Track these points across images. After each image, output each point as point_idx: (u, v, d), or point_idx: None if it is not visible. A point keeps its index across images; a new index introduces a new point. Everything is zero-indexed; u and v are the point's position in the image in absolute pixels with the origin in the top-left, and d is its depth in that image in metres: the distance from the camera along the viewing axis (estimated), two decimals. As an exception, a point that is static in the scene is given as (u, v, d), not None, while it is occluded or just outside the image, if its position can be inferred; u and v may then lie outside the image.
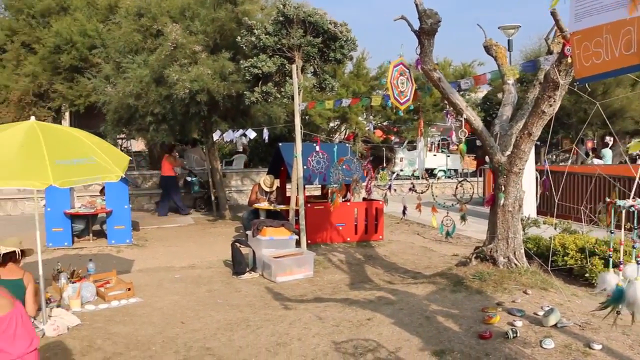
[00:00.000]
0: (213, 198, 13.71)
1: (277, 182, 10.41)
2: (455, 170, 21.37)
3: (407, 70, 6.84)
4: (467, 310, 5.81)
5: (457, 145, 6.96)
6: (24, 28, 16.24)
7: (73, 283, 6.65)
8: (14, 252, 5.50)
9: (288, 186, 11.22)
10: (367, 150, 15.78)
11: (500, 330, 5.08)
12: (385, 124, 20.60)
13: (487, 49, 7.27)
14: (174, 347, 5.17)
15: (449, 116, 7.40)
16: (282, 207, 9.98)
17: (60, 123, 16.02)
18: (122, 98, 11.32)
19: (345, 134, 19.42)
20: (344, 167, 9.03)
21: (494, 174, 7.01)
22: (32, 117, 5.83)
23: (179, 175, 14.01)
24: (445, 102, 7.09)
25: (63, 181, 4.96)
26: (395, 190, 8.50)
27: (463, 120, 6.69)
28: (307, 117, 15.56)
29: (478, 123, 6.76)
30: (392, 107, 7.18)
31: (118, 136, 16.88)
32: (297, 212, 9.06)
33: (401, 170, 18.86)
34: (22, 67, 15.90)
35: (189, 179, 14.64)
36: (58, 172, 4.95)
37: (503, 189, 6.70)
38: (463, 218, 7.20)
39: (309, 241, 8.87)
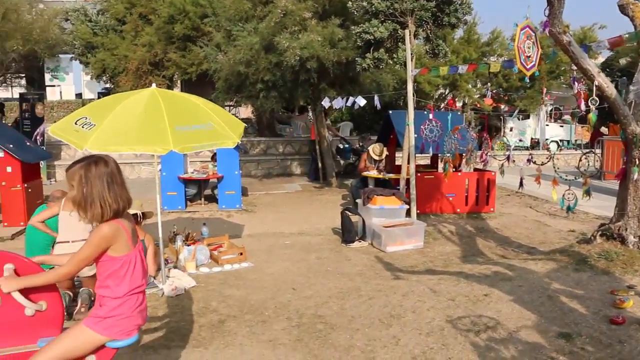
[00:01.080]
0: (319, 165, 13.73)
1: (385, 151, 10.21)
2: (567, 142, 20.21)
3: (534, 34, 6.38)
4: (593, 291, 5.43)
5: (586, 114, 6.45)
6: (141, 0, 16.86)
7: (188, 246, 6.85)
8: (136, 214, 5.73)
9: (397, 155, 11.00)
10: (479, 118, 15.18)
11: (634, 316, 4.69)
12: (494, 91, 19.78)
13: (623, 8, 6.62)
14: (286, 313, 5.18)
15: (576, 83, 6.85)
16: (392, 175, 9.79)
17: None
18: (232, 66, 11.47)
19: (455, 103, 18.81)
20: (456, 136, 8.68)
21: (626, 146, 6.45)
22: (153, 85, 5.97)
23: (329, 142, 13.89)
24: (574, 68, 6.55)
25: (183, 147, 5.04)
26: (514, 161, 8.05)
27: (594, 88, 6.16)
28: (415, 85, 15.13)
29: (611, 90, 6.21)
30: (518, 73, 6.74)
31: (226, 103, 17.25)
32: (406, 182, 8.85)
33: (514, 140, 18.09)
34: (139, 38, 16.58)
35: (341, 146, 14.78)
36: (178, 138, 5.04)
37: (637, 162, 6.14)
38: (587, 193, 6.69)
39: (418, 211, 8.64)
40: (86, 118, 5.22)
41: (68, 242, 5.22)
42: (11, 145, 8.53)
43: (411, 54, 8.49)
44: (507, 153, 7.76)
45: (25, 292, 2.80)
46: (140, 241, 2.96)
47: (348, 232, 7.61)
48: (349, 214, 7.76)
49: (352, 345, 4.48)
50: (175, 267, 6.43)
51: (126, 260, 2.80)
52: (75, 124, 5.21)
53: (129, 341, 2.90)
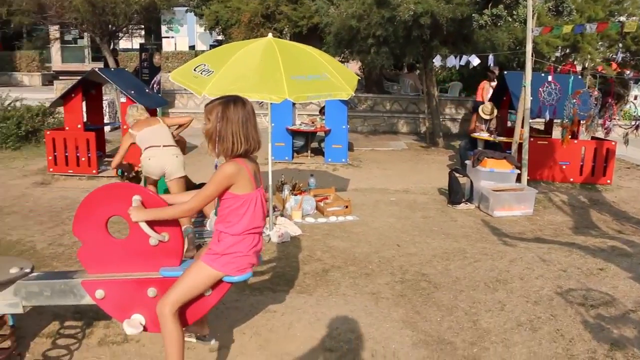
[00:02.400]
0: (427, 125, 13.48)
1: (495, 110, 9.81)
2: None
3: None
4: None
5: None
6: (256, -49, 16.98)
7: (295, 195, 6.99)
8: None
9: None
10: (602, 84, 14.22)
11: None
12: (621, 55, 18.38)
13: None
14: (389, 269, 5.20)
15: None
16: (503, 139, 9.44)
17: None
18: (344, 20, 11.36)
19: (574, 66, 17.69)
20: (576, 101, 8.18)
21: None
22: (269, 34, 6.03)
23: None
24: None
25: (297, 96, 5.09)
26: (643, 130, 7.49)
27: None
28: (533, 45, 14.34)
29: None
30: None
31: (337, 58, 17.20)
32: (518, 146, 8.50)
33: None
34: (252, -10, 16.75)
35: None
36: (293, 87, 5.09)
37: None
38: None
39: (528, 177, 8.30)
40: (205, 65, 5.39)
41: (159, 146, 5.76)
42: (132, 92, 8.97)
43: (533, 11, 8.03)
44: (636, 122, 7.23)
45: (150, 223, 2.97)
46: (262, 185, 3.05)
47: (455, 193, 7.47)
48: (457, 175, 7.60)
49: (455, 306, 4.44)
50: (282, 216, 6.60)
51: (247, 200, 2.89)
52: (194, 70, 5.39)
53: (243, 278, 3.03)
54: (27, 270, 3.13)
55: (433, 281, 4.93)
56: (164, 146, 5.78)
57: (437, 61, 10.57)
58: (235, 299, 4.43)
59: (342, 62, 19.48)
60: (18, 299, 3.09)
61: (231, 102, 2.87)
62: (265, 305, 4.37)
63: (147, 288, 3.04)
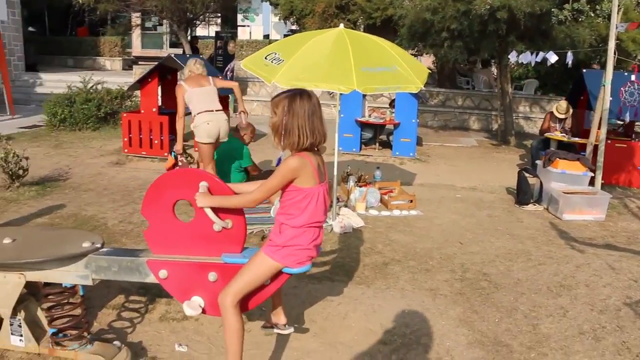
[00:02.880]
0: (499, 122, 13.17)
1: (570, 108, 9.46)
2: None
3: None
4: None
5: None
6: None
7: (360, 187, 6.99)
8: None
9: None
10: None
11: None
12: None
13: None
14: (450, 266, 5.14)
15: None
16: (577, 140, 9.09)
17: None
18: (418, 12, 11.22)
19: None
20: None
21: None
22: (341, 25, 6.05)
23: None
24: None
25: (366, 87, 5.08)
26: None
27: None
28: (616, 42, 13.71)
29: None
30: None
31: (409, 52, 17.02)
32: (594, 148, 8.17)
33: None
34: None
35: None
36: (362, 78, 5.08)
37: None
38: None
39: (603, 181, 7.97)
40: (275, 53, 5.46)
41: (213, 110, 6.17)
42: (207, 77, 9.19)
43: (618, 6, 7.67)
44: None
45: (215, 210, 3.04)
46: (327, 180, 3.08)
47: (523, 194, 7.27)
48: (527, 174, 7.39)
49: (515, 308, 4.34)
50: (345, 206, 6.62)
51: (309, 193, 2.92)
52: (265, 58, 5.47)
53: (301, 270, 3.06)
54: (98, 245, 3.28)
55: (494, 281, 4.83)
56: (216, 110, 6.22)
57: (512, 57, 10.29)
58: (294, 286, 4.50)
59: (415, 55, 19.29)
60: (88, 271, 3.25)
61: (297, 95, 2.90)
62: (322, 294, 4.42)
63: (208, 272, 3.12)
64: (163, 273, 3.16)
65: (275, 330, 3.56)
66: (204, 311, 3.17)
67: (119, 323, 3.90)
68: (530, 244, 5.87)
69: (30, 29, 23.54)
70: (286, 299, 4.27)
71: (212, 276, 3.13)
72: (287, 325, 3.56)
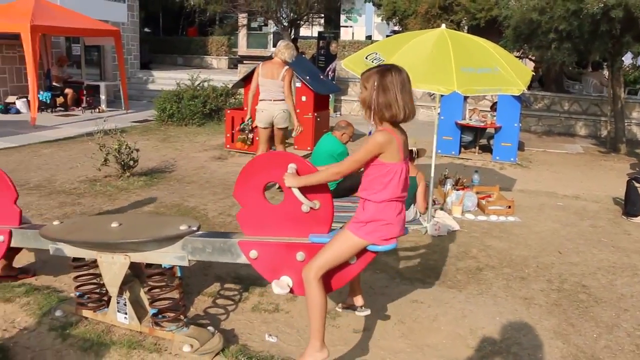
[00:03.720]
0: (608, 129, 12.48)
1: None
2: None
3: None
4: None
5: None
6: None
7: (457, 190, 6.89)
8: (411, 150, 5.95)
9: None
10: None
11: None
12: None
13: None
14: (547, 275, 4.96)
15: None
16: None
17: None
18: (524, 12, 10.85)
19: None
20: None
21: None
22: (443, 25, 5.99)
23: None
24: None
25: (466, 89, 5.01)
26: None
27: None
28: None
29: None
30: None
31: (514, 54, 16.50)
32: None
33: None
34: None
35: None
36: (462, 79, 5.02)
37: None
38: None
39: None
40: (376, 54, 5.50)
41: (271, 100, 6.91)
42: (308, 77, 9.38)
43: None
44: None
45: (303, 191, 3.13)
46: (408, 158, 3.10)
47: (632, 204, 6.87)
48: (637, 184, 6.98)
49: (616, 325, 4.12)
50: (441, 209, 6.56)
51: (392, 169, 2.96)
52: (366, 58, 5.53)
53: (387, 248, 3.08)
54: (194, 228, 3.46)
55: (594, 295, 4.62)
56: (274, 100, 6.91)
57: (627, 59, 9.75)
58: (385, 285, 4.53)
59: (520, 58, 18.67)
60: (185, 252, 3.43)
61: (387, 70, 2.96)
62: (413, 295, 4.41)
63: (296, 252, 3.21)
64: (253, 253, 3.28)
65: (357, 313, 3.61)
66: (291, 290, 3.27)
67: (213, 310, 4.08)
68: (637, 257, 5.55)
69: (146, 29, 24.94)
70: (376, 298, 4.30)
71: (300, 256, 3.21)
72: (363, 308, 3.60)
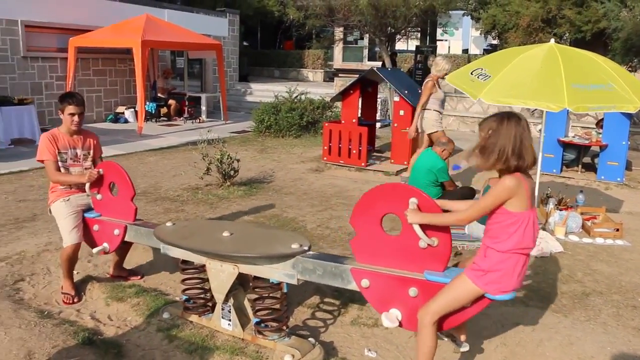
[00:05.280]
0: None
1: None
2: None
3: None
4: None
5: None
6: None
7: (560, 210, 6.62)
8: None
9: None
10: None
11: None
12: None
13: None
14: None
15: None
16: None
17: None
18: (637, 24, 10.35)
19: None
20: None
21: None
22: (552, 40, 5.81)
23: None
24: None
25: (578, 106, 4.82)
26: None
27: None
28: None
29: None
30: None
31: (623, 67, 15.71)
32: None
33: None
34: (534, -7, 16.12)
35: None
36: (574, 96, 4.84)
37: None
38: None
39: None
40: (482, 69, 5.40)
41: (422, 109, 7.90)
42: (406, 91, 9.34)
43: None
44: None
45: (423, 226, 3.09)
46: (535, 206, 3.00)
47: None
48: None
49: None
50: (543, 229, 6.32)
51: (519, 218, 2.86)
52: (471, 74, 5.44)
53: (504, 298, 3.01)
54: (305, 248, 3.52)
55: None
56: (423, 109, 7.75)
57: None
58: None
59: (630, 71, 17.75)
60: (295, 271, 3.50)
61: (505, 118, 2.88)
62: (515, 318, 4.26)
63: (409, 287, 3.18)
64: (365, 282, 3.29)
65: (457, 347, 3.54)
66: (400, 324, 3.24)
67: (312, 321, 4.14)
68: None
69: (244, 43, 25.77)
70: (478, 318, 4.19)
71: (412, 291, 3.18)
72: (464, 343, 3.52)
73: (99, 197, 4.55)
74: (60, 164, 4.56)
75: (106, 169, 4.52)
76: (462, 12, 21.57)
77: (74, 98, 4.55)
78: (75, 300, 4.49)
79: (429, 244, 3.11)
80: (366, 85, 10.16)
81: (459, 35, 26.97)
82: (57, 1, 13.31)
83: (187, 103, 15.41)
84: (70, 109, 4.49)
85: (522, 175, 2.86)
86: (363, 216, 3.30)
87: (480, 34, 20.74)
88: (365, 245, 3.32)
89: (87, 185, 4.51)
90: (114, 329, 4.06)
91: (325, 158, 9.57)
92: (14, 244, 5.55)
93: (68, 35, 13.25)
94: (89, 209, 4.64)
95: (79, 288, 4.61)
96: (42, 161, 4.57)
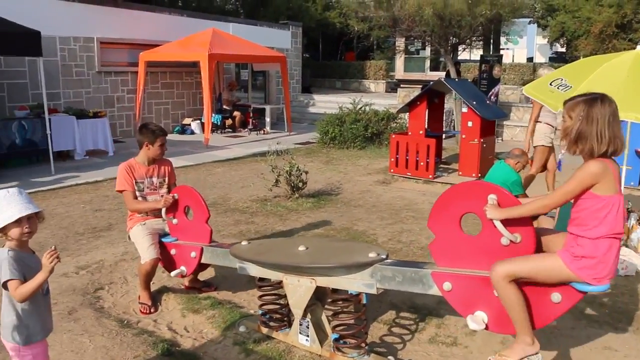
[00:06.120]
0: None
1: None
2: None
3: None
4: None
5: None
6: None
7: (644, 226, 6.29)
8: None
9: None
10: None
11: None
12: None
13: None
14: None
15: None
16: None
17: None
18: None
19: None
20: None
21: None
22: (638, 47, 5.54)
23: None
24: None
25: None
26: None
27: None
28: None
29: None
30: None
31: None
32: None
33: None
34: (606, -2, 15.58)
35: None
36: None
37: None
38: None
39: None
40: (562, 79, 5.21)
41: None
42: (474, 102, 9.13)
43: None
44: None
45: (504, 223, 2.97)
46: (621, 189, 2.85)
47: None
48: None
49: None
50: (625, 246, 6.01)
51: (609, 202, 2.74)
52: (550, 84, 5.25)
53: (599, 288, 2.85)
54: (383, 256, 3.45)
55: None
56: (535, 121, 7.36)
57: None
58: (571, 327, 4.21)
59: None
60: (373, 280, 3.42)
61: (597, 99, 2.77)
62: (603, 341, 4.05)
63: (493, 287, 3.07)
64: (447, 285, 3.18)
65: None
66: (486, 327, 3.12)
67: (389, 338, 4.04)
68: None
69: (305, 55, 26.00)
70: (563, 340, 4.01)
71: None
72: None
73: (174, 221, 4.62)
74: (137, 193, 4.69)
75: (181, 194, 4.59)
76: (528, 19, 21.08)
77: (163, 130, 4.75)
78: (152, 310, 4.55)
79: (511, 241, 2.98)
80: (433, 96, 10.00)
81: (523, 44, 26.37)
82: (129, 18, 13.77)
83: (251, 115, 15.61)
84: (162, 139, 4.68)
85: (608, 159, 2.75)
86: (441, 218, 3.21)
87: (548, 41, 20.18)
88: (445, 247, 3.22)
89: (164, 211, 4.60)
90: (191, 340, 4.08)
91: (392, 170, 9.46)
92: (93, 253, 5.71)
93: (138, 50, 13.69)
94: (164, 234, 4.72)
95: (155, 298, 4.67)
96: (120, 191, 4.70)
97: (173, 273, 4.57)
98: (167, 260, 4.66)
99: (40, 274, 2.57)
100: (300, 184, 7.71)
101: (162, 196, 4.72)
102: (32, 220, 2.67)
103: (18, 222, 2.60)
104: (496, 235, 3.02)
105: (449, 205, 3.18)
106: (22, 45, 8.83)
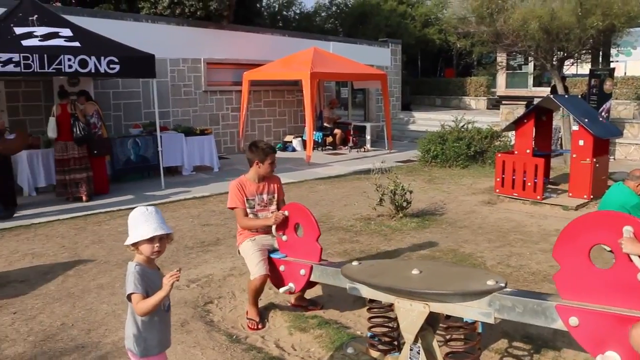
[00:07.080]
0: None
1: None
2: None
3: None
4: None
5: None
6: None
7: None
8: None
9: None
10: None
11: None
12: None
13: None
14: None
15: None
16: None
17: None
18: None
19: None
20: None
21: None
22: None
23: None
24: None
25: None
26: None
27: None
28: None
29: None
30: None
31: None
32: None
33: None
34: None
35: None
36: None
37: None
38: None
39: None
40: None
41: None
42: (586, 120, 8.69)
43: None
44: None
45: None
46: None
47: None
48: None
49: None
50: None
51: None
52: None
53: None
54: (502, 284, 3.32)
55: None
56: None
57: None
58: None
59: None
60: (491, 309, 3.29)
61: None
62: None
63: (629, 326, 2.86)
64: (574, 320, 3.01)
65: None
66: None
67: (503, 368, 3.88)
68: None
69: (403, 71, 25.92)
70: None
71: None
72: None
73: (284, 238, 4.68)
74: (248, 210, 4.80)
75: (291, 211, 4.65)
76: (644, 30, 19.88)
77: (273, 148, 4.87)
78: (260, 326, 4.62)
79: None
80: (541, 114, 9.62)
81: (637, 55, 24.86)
82: (234, 39, 14.31)
83: (352, 132, 15.70)
84: (272, 157, 4.80)
85: None
86: (568, 248, 3.05)
87: (668, 52, 18.93)
88: (572, 279, 3.05)
89: (274, 227, 4.67)
90: (298, 359, 4.10)
91: (497, 190, 9.15)
92: (203, 267, 5.90)
93: (242, 70, 14.18)
94: (273, 250, 4.79)
95: (262, 315, 4.74)
96: (232, 208, 4.83)
97: (282, 289, 4.62)
98: (275, 276, 4.73)
99: (160, 292, 2.67)
100: (405, 204, 7.63)
101: (272, 212, 4.80)
102: (163, 241, 2.79)
103: (150, 240, 2.73)
104: (632, 270, 2.83)
105: (578, 236, 3.02)
106: (139, 68, 9.36)
